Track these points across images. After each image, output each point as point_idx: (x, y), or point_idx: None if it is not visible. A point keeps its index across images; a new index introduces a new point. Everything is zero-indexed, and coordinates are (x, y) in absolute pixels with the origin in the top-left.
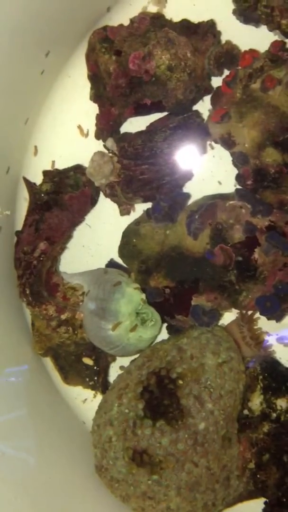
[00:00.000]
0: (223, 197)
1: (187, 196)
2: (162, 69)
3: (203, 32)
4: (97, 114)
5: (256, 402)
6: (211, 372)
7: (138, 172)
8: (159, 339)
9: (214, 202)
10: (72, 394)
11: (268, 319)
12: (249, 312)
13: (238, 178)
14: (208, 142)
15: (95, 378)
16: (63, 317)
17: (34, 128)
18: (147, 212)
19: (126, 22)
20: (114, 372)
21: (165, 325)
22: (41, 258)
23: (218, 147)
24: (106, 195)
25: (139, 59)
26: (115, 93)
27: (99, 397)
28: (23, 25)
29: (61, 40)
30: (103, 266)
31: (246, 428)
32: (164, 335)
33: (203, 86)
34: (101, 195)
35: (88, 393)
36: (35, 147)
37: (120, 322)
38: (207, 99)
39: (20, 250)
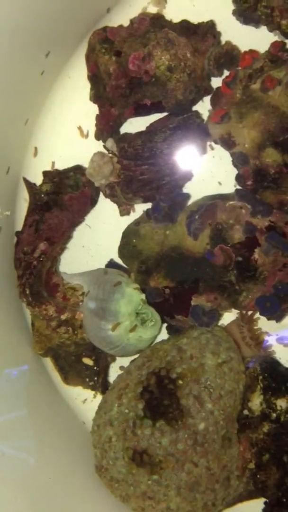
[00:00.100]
0: (223, 198)
1: (187, 196)
2: (162, 70)
3: (203, 32)
4: (97, 115)
5: (256, 402)
6: (211, 372)
7: (138, 173)
8: (159, 339)
9: (214, 202)
10: (72, 394)
11: (268, 319)
12: (249, 312)
13: (238, 178)
14: (208, 143)
15: (95, 378)
16: (63, 317)
17: (34, 128)
18: (147, 212)
19: (126, 23)
20: (114, 372)
21: (165, 325)
22: (41, 259)
23: (218, 148)
24: (106, 196)
25: (139, 59)
26: (115, 94)
27: (99, 397)
28: (23, 25)
29: (61, 41)
30: (103, 266)
31: (246, 428)
32: (164, 335)
33: (203, 86)
34: (101, 196)
35: (88, 393)
36: (35, 148)
37: (120, 322)
38: (207, 99)
39: (20, 251)
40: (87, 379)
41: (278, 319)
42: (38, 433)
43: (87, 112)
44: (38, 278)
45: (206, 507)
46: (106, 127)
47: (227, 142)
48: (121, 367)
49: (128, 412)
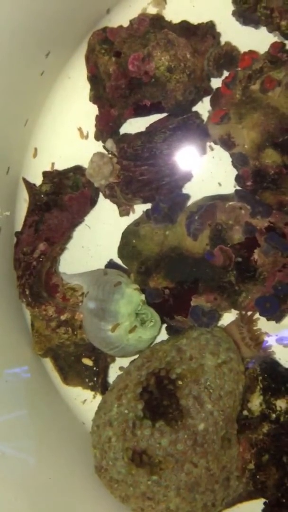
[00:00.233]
0: (222, 198)
1: (187, 197)
2: (162, 70)
3: (202, 33)
4: (97, 115)
5: (256, 402)
6: (211, 373)
7: (138, 173)
8: (158, 339)
9: (213, 203)
10: (72, 394)
11: (268, 319)
12: (249, 313)
13: (238, 179)
14: (208, 143)
15: (95, 378)
16: (62, 317)
17: (34, 129)
18: (146, 213)
19: (125, 24)
20: (113, 373)
21: (164, 325)
22: (41, 259)
23: (218, 148)
24: (106, 196)
25: (138, 60)
26: (114, 94)
27: (99, 398)
28: (23, 25)
29: (61, 41)
30: (102, 266)
31: (245, 428)
32: (163, 335)
33: (203, 87)
34: (101, 196)
35: (88, 393)
36: (35, 149)
37: (120, 323)
38: (207, 100)
39: (19, 251)
40: (87, 380)
41: (278, 319)
42: (37, 433)
43: (87, 113)
44: (37, 278)
45: (205, 507)
46: (106, 127)
47: (227, 143)
48: (121, 368)
49: (128, 413)
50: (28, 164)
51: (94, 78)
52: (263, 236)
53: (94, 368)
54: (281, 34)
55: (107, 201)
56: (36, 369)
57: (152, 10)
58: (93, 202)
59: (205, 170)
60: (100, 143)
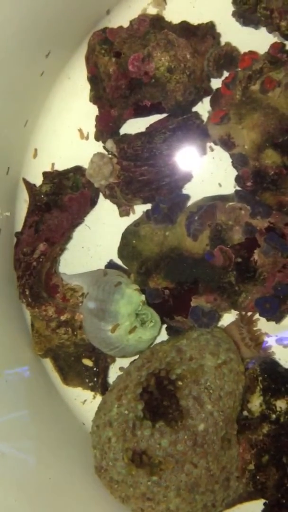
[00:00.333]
0: (222, 199)
1: (187, 197)
2: (162, 71)
3: (202, 34)
4: (97, 116)
5: (256, 403)
6: (211, 373)
7: (138, 174)
8: (158, 340)
9: (213, 203)
10: (72, 395)
11: (268, 320)
12: (249, 313)
13: (238, 179)
14: (208, 144)
15: (95, 379)
16: (62, 318)
17: (34, 129)
18: (146, 213)
19: (125, 24)
20: (113, 373)
21: (164, 326)
22: (41, 259)
23: (218, 149)
24: (106, 196)
25: (138, 60)
26: (114, 95)
27: (99, 398)
28: (23, 26)
29: (60, 42)
30: (102, 267)
31: (245, 429)
32: (163, 336)
33: (203, 87)
34: (101, 196)
35: (88, 394)
36: (35, 150)
37: (120, 323)
38: (207, 100)
39: (19, 251)
40: (87, 380)
41: (278, 320)
42: (37, 433)
43: (87, 113)
44: (37, 279)
45: (205, 508)
46: (106, 128)
47: (227, 143)
48: (121, 368)
49: (128, 413)
50: (28, 165)
51: (94, 79)
52: (263, 237)
53: (94, 369)
54: (281, 34)
55: (107, 201)
56: (36, 370)
57: (152, 11)
58: (93, 203)
59: (205, 170)
60: (100, 144)
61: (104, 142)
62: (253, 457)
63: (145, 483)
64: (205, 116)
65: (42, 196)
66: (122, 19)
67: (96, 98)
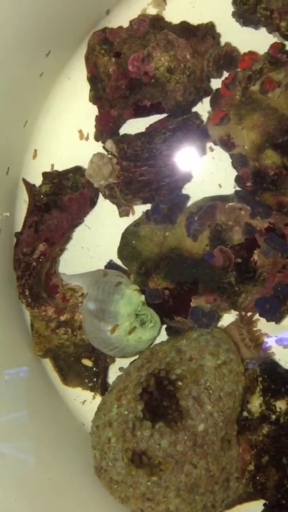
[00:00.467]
0: (222, 199)
1: (187, 197)
2: (162, 71)
3: (202, 34)
4: (97, 116)
5: (256, 404)
6: (210, 374)
7: (138, 174)
8: (158, 340)
9: (213, 203)
10: (72, 395)
11: (268, 320)
12: (249, 314)
13: (238, 180)
14: (208, 144)
15: (94, 379)
16: (62, 318)
17: (34, 129)
18: (146, 213)
19: (125, 24)
20: (113, 374)
21: (164, 326)
22: (41, 260)
23: (218, 149)
24: (105, 197)
25: (138, 61)
26: (114, 95)
27: (98, 399)
28: (23, 26)
29: (60, 42)
30: (102, 267)
31: (245, 430)
32: (163, 336)
33: (203, 88)
34: (100, 197)
35: (88, 394)
36: (35, 150)
37: (119, 323)
38: (207, 101)
39: (19, 252)
40: (87, 380)
41: (278, 320)
42: (37, 434)
43: (87, 113)
44: (37, 279)
45: (205, 508)
46: (106, 128)
47: (227, 144)
48: (121, 368)
49: (128, 413)
50: (28, 165)
51: (94, 79)
52: (263, 237)
53: (94, 369)
54: (280, 35)
55: (107, 201)
56: (36, 370)
57: (152, 11)
58: (92, 203)
59: (205, 171)
60: (100, 144)
61: (103, 142)
62: (253, 458)
63: (144, 483)
64: (205, 116)
65: (42, 196)
66: (122, 19)
67: (96, 98)
